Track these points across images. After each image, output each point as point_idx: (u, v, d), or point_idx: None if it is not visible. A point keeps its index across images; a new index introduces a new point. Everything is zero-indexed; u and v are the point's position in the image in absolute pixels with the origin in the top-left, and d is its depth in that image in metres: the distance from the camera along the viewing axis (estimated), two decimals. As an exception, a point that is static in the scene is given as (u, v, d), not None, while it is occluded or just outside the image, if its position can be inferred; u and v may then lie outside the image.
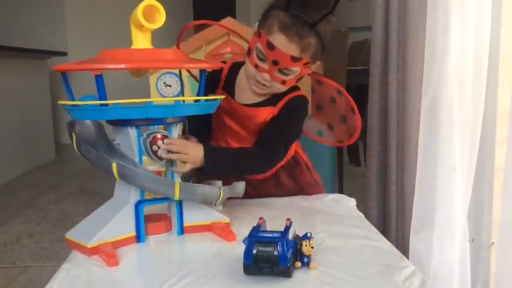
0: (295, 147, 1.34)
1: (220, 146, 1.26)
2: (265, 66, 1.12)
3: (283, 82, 1.15)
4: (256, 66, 1.14)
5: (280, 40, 1.08)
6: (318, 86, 1.40)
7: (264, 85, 1.16)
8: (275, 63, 1.10)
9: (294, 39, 1.07)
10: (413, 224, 1.36)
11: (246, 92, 1.22)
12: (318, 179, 1.39)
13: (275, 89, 1.17)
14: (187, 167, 1.04)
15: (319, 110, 1.45)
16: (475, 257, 1.35)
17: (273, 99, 1.21)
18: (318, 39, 1.09)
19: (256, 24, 1.17)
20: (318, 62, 1.18)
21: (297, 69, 1.12)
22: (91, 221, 1.00)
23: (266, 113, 1.21)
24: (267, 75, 1.13)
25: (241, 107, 1.23)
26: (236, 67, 1.27)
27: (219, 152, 1.18)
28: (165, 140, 0.99)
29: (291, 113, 1.21)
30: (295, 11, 1.07)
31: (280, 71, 1.12)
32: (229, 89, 1.25)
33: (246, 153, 1.18)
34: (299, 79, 1.18)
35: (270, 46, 1.09)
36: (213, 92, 1.22)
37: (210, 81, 1.19)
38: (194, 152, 1.04)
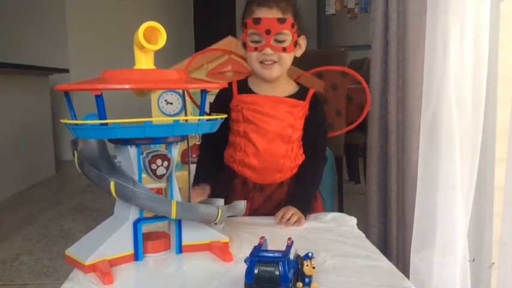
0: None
1: (299, 191, 1.33)
2: (262, 42, 1.26)
3: (284, 49, 1.26)
4: (255, 49, 1.27)
5: (262, 12, 1.25)
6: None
7: (272, 62, 1.27)
8: (268, 32, 1.24)
9: (271, 4, 1.25)
10: (413, 243, 1.36)
11: (265, 91, 1.33)
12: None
13: (283, 63, 1.29)
14: (303, 222, 1.24)
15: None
16: (476, 276, 1.35)
17: (299, 94, 1.34)
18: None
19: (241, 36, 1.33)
20: (303, 36, 1.31)
21: (287, 32, 1.25)
22: (90, 238, 1.00)
23: (297, 103, 1.32)
24: (267, 49, 1.25)
25: (269, 96, 1.32)
26: (242, 81, 1.37)
27: (303, 198, 1.31)
28: (284, 223, 1.21)
29: (321, 105, 1.37)
30: None
31: (276, 40, 1.25)
32: (247, 92, 1.34)
33: (312, 178, 1.36)
34: (295, 45, 1.29)
35: (257, 21, 1.25)
36: (226, 107, 1.30)
37: (223, 98, 1.33)
38: (296, 211, 1.24)
